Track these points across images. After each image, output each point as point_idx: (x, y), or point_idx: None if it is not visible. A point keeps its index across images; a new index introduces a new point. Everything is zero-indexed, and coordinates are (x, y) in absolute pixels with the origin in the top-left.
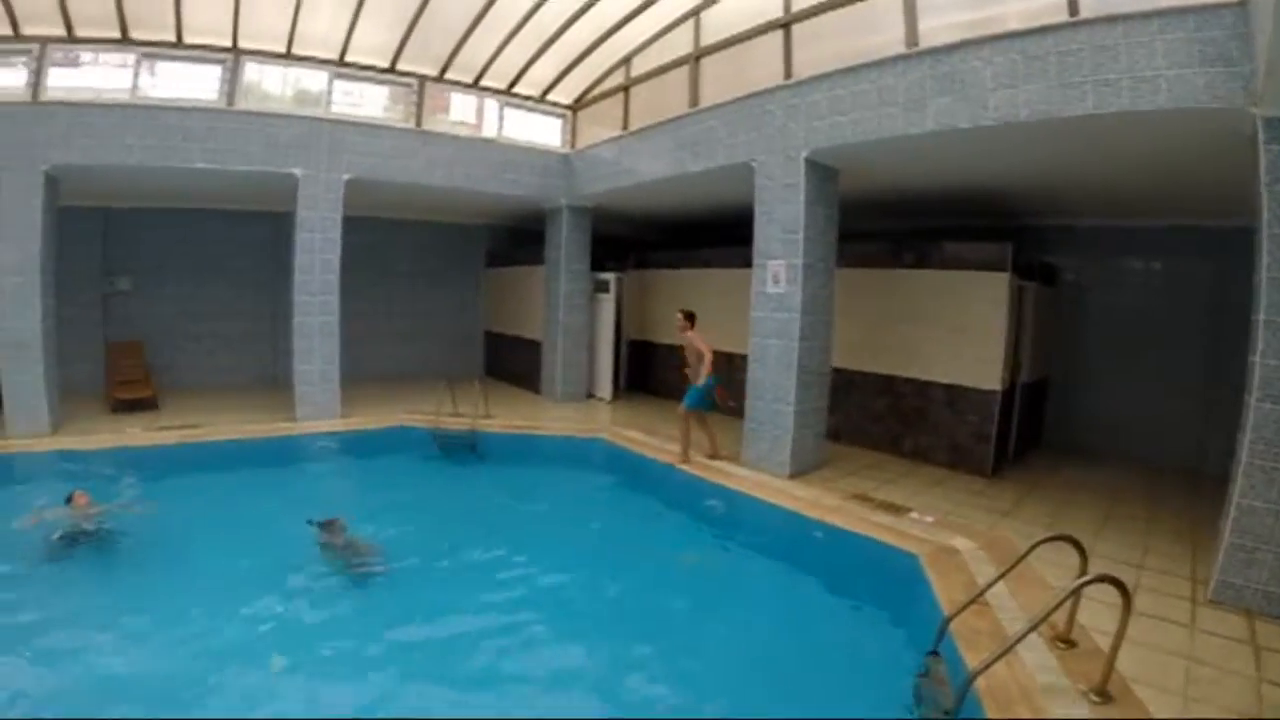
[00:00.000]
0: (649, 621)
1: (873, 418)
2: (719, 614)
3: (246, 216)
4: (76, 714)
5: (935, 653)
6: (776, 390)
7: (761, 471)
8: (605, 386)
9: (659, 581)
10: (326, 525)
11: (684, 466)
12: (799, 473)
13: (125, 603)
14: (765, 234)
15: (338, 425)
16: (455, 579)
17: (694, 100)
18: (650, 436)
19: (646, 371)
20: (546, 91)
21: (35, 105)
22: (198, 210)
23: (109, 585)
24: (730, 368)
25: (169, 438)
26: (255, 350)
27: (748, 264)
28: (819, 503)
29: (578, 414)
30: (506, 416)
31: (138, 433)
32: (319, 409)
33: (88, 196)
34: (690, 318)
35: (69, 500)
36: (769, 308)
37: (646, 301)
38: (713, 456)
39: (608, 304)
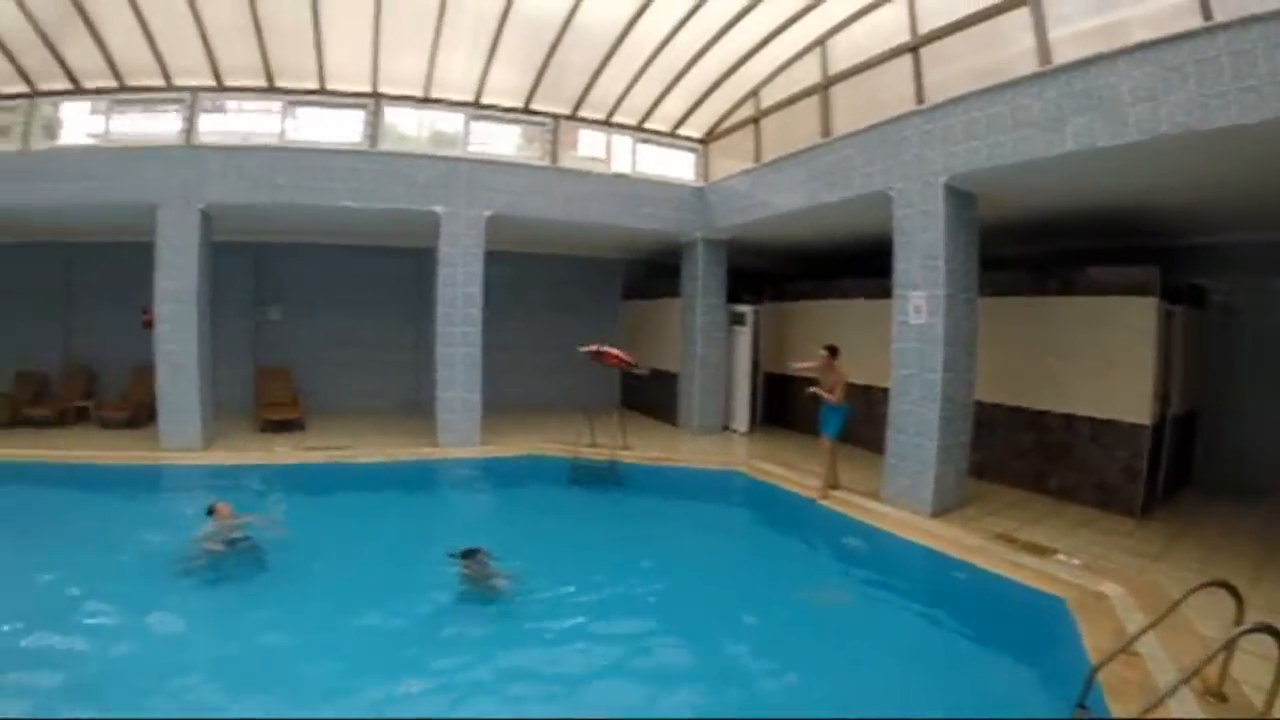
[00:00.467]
0: (782, 660)
1: (1016, 453)
2: (854, 655)
3: (390, 251)
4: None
5: (1083, 705)
6: (919, 424)
7: (901, 508)
8: (742, 419)
9: (795, 619)
10: (468, 554)
11: (823, 501)
12: (941, 510)
13: (266, 609)
14: (905, 263)
15: (477, 452)
16: (589, 608)
17: (826, 129)
18: (788, 470)
19: (783, 405)
20: (677, 126)
21: (189, 149)
22: (344, 246)
23: (253, 592)
24: (869, 400)
25: (316, 457)
26: (398, 377)
27: (887, 294)
28: (961, 542)
29: (714, 446)
30: (643, 448)
31: (286, 451)
32: (460, 436)
33: (241, 232)
34: (834, 352)
35: (211, 512)
36: (911, 339)
37: (783, 334)
38: (834, 487)
39: (744, 336)
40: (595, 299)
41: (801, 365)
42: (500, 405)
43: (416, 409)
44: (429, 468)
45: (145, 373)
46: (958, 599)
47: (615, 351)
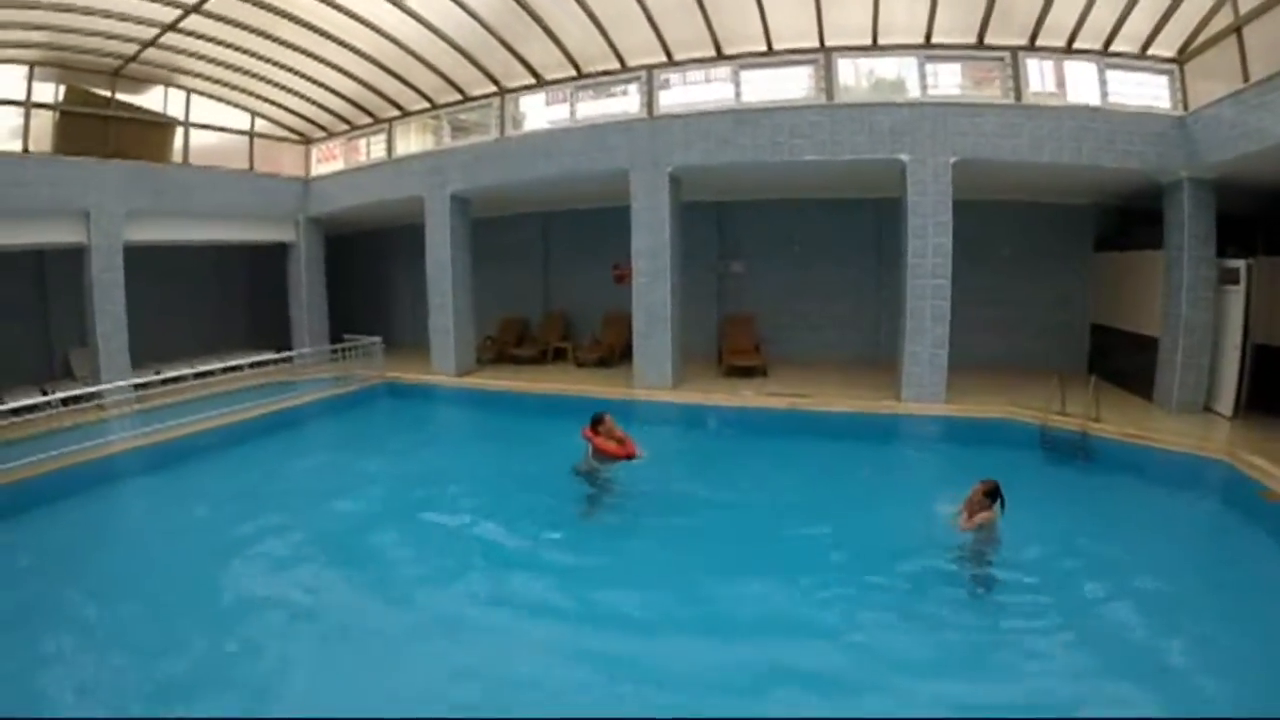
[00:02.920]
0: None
1: None
2: None
3: (848, 203)
4: None
5: None
6: None
7: None
8: (1226, 399)
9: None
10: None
11: None
12: None
13: None
14: None
15: (941, 409)
16: (1060, 595)
17: None
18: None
19: (1278, 386)
20: (1146, 45)
21: (652, 121)
22: (801, 200)
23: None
24: None
25: (779, 403)
26: (858, 329)
27: None
28: None
29: (1195, 428)
30: (1116, 422)
31: (750, 395)
32: (924, 391)
33: (706, 192)
34: None
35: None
36: None
37: None
38: None
39: (1236, 298)
40: (1060, 251)
41: None
42: (957, 363)
43: (874, 361)
44: (892, 421)
45: (616, 320)
46: None
47: (613, 446)
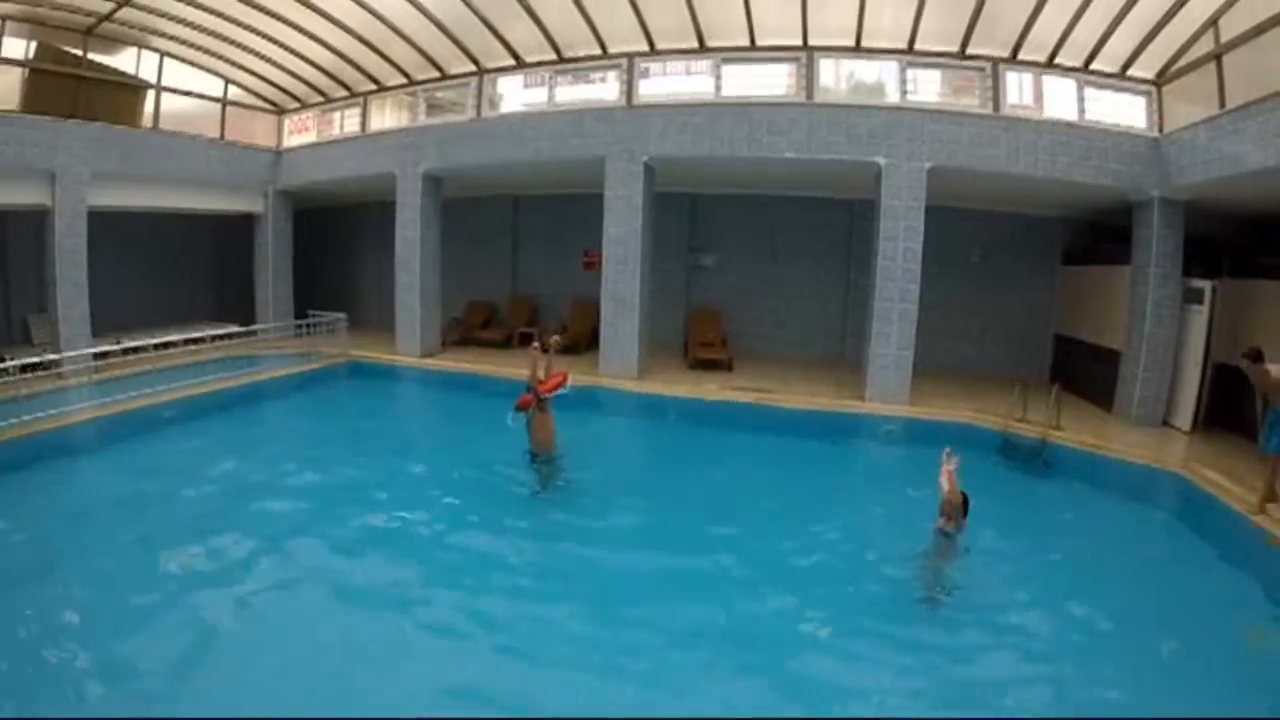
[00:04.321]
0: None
1: None
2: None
3: (822, 203)
4: None
5: None
6: None
7: None
8: (1185, 414)
9: (1223, 661)
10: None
11: (1257, 519)
12: None
13: None
14: None
15: (905, 411)
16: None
17: None
18: (1233, 483)
19: (1235, 404)
20: (1126, 66)
21: (631, 109)
22: (775, 197)
23: None
24: None
25: (744, 397)
26: (824, 328)
27: None
28: None
29: (1151, 440)
30: (1075, 431)
31: (714, 389)
32: (889, 392)
33: (679, 183)
34: (1258, 356)
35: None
36: None
37: (1246, 318)
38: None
39: (1199, 317)
40: (1029, 261)
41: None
42: (924, 366)
43: (840, 361)
44: (853, 420)
45: (583, 307)
46: None
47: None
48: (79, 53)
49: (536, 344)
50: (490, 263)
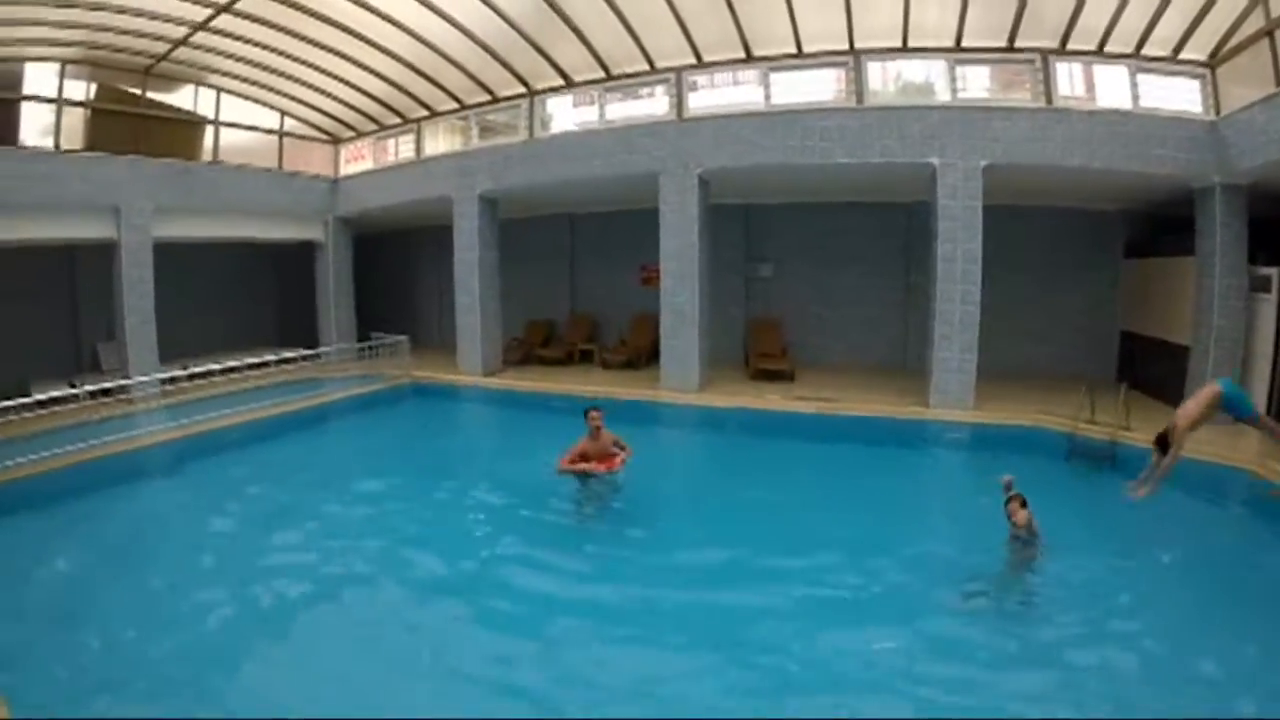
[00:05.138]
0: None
1: None
2: None
3: (878, 207)
4: None
5: None
6: None
7: None
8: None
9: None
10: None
11: None
12: None
13: None
14: None
15: (969, 416)
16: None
17: None
18: None
19: None
20: (1178, 49)
21: (681, 123)
22: (829, 204)
23: None
24: None
25: (806, 407)
26: (885, 334)
27: None
28: None
29: (1223, 437)
30: (1145, 430)
31: (777, 399)
32: (952, 397)
33: (734, 195)
34: None
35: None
36: None
37: None
38: None
39: (1267, 306)
40: (1091, 257)
41: None
42: (985, 369)
43: (902, 366)
44: (919, 427)
45: (643, 322)
46: None
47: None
48: (138, 91)
49: (596, 411)
50: (548, 281)
